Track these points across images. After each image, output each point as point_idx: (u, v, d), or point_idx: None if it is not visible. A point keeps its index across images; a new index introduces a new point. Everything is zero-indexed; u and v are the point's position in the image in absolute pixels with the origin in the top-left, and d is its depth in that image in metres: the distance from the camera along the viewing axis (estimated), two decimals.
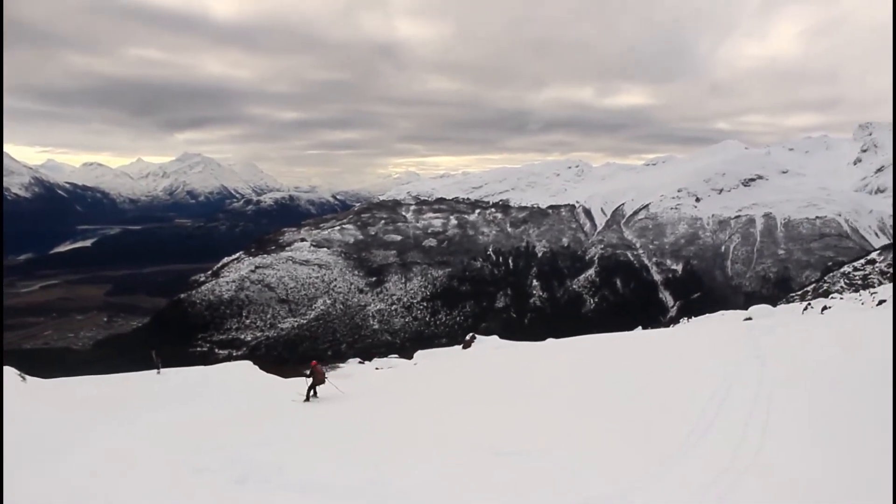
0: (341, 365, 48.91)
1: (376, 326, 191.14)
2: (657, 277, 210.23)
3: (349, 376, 38.62)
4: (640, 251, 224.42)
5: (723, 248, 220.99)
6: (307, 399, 22.86)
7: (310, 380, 23.36)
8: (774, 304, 61.98)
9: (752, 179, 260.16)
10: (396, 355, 56.48)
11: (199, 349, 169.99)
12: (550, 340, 38.65)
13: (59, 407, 20.19)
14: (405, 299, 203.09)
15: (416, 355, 47.97)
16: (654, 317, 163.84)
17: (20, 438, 15.56)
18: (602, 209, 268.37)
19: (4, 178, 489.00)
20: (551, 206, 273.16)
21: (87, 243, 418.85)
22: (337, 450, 13.81)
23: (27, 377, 24.62)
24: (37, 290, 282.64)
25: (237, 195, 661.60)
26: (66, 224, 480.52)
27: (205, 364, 38.18)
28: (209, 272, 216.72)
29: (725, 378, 16.15)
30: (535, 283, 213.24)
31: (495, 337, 48.36)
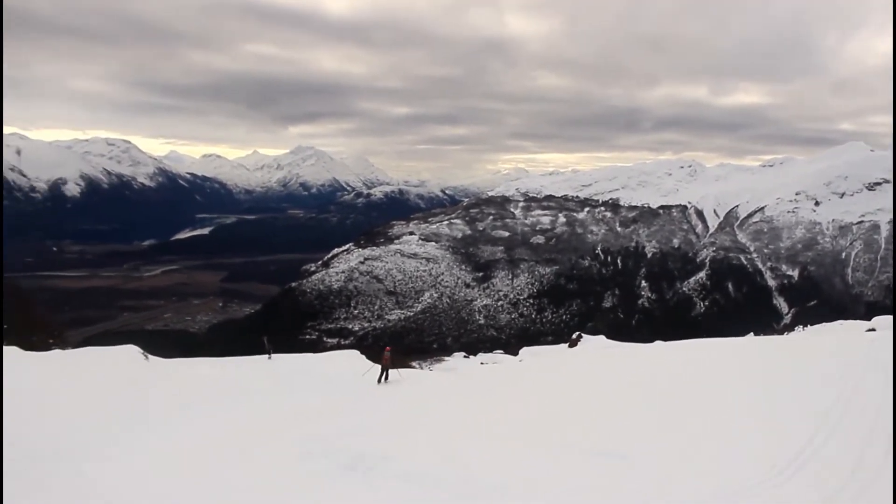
0: (446, 358, 49.32)
1: (482, 321, 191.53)
2: (771, 283, 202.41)
3: (454, 370, 38.95)
4: (754, 255, 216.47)
5: (843, 254, 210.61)
6: (379, 382, 25.40)
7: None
8: None
9: (878, 183, 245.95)
10: (501, 351, 56.53)
11: (308, 337, 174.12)
12: (658, 343, 37.84)
13: (178, 385, 21.17)
14: (511, 295, 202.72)
15: (521, 352, 47.80)
16: (767, 323, 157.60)
17: (142, 408, 16.44)
18: (715, 211, 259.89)
19: (133, 169, 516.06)
20: (662, 207, 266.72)
21: (205, 231, 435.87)
22: (437, 442, 13.98)
23: (149, 356, 25.93)
24: (158, 274, 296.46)
25: (348, 188, 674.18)
26: (186, 212, 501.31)
27: (314, 352, 39.24)
28: (320, 262, 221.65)
29: (844, 392, 15.37)
30: (643, 284, 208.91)
31: (602, 337, 47.72)
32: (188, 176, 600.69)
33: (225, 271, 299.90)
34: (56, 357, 20.09)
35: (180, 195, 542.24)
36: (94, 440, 13.58)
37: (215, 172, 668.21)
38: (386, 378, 24.69)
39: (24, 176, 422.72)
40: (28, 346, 22.58)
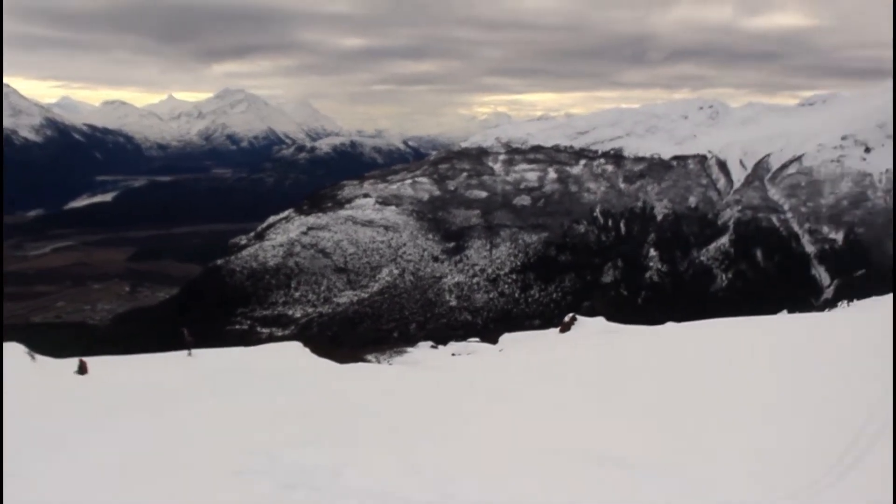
0: (410, 349, 49.32)
1: (454, 303, 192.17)
2: (810, 249, 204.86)
3: (417, 364, 39.00)
4: (789, 215, 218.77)
5: None
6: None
7: None
8: None
9: None
10: (478, 339, 56.62)
11: (238, 326, 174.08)
12: (671, 325, 38.08)
13: (74, 392, 20.88)
14: (490, 270, 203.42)
15: (501, 339, 47.90)
16: (804, 298, 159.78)
17: (24, 429, 16.14)
18: (741, 161, 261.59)
19: (13, 120, 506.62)
20: (676, 157, 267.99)
21: (108, 198, 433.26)
22: (403, 453, 13.94)
23: (36, 356, 25.52)
24: (48, 253, 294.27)
25: (287, 140, 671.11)
26: (83, 174, 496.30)
27: (245, 344, 39.11)
28: (252, 234, 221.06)
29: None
30: (652, 253, 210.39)
31: (601, 319, 47.79)
32: (85, 128, 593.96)
33: (132, 247, 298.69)
34: None
35: (75, 153, 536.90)
36: None
37: (119, 123, 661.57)
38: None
39: None
40: None
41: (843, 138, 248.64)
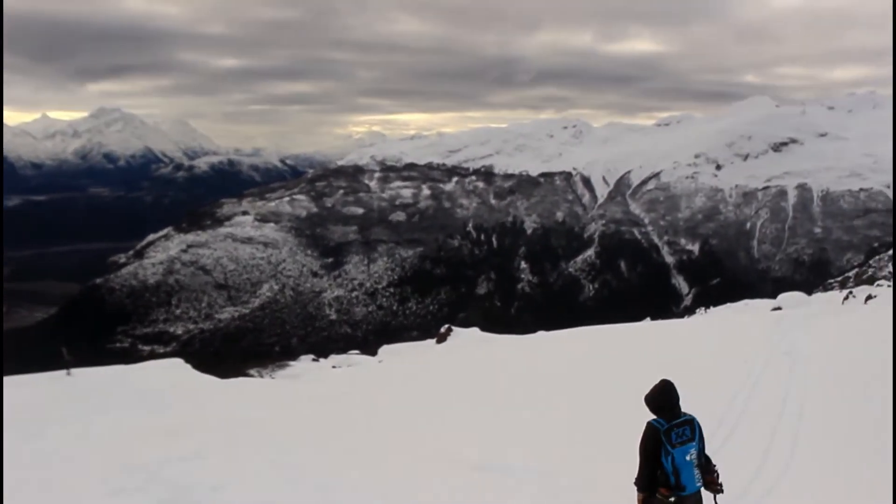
0: (291, 363, 48.79)
1: (333, 317, 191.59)
2: (669, 259, 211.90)
3: (299, 377, 38.69)
4: (650, 228, 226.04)
5: (748, 224, 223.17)
6: None
7: None
8: (809, 293, 62.72)
9: (785, 144, 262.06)
10: (357, 351, 56.45)
11: (118, 345, 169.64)
12: (541, 333, 38.86)
13: None
14: (368, 284, 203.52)
15: (380, 351, 48.07)
16: (666, 306, 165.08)
17: None
18: (604, 178, 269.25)
19: None
20: (543, 174, 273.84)
21: None
22: (287, 466, 13.84)
23: None
24: None
25: (165, 159, 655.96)
26: None
27: (126, 363, 37.94)
28: (131, 252, 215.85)
29: (749, 378, 16.34)
30: (523, 265, 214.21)
31: (476, 329, 48.47)
32: None
33: (8, 267, 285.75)
34: None
35: None
36: None
37: None
38: None
39: None
40: None
41: (696, 156, 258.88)
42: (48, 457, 15.96)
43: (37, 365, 35.37)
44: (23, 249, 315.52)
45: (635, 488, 8.30)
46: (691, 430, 8.17)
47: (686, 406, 7.67)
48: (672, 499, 7.99)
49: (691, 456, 8.04)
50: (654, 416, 8.30)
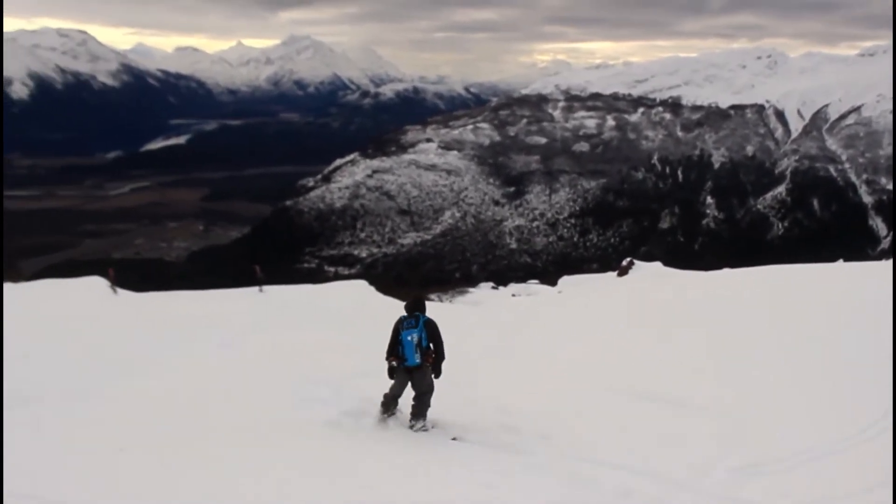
0: (471, 290, 49.48)
1: (514, 246, 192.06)
2: (867, 199, 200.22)
3: (479, 303, 39.25)
4: (847, 165, 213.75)
5: None
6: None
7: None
8: None
9: None
10: (537, 281, 56.41)
11: (306, 265, 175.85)
12: (727, 271, 37.74)
13: (153, 323, 21.48)
14: (549, 215, 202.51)
15: (560, 282, 47.72)
16: (860, 248, 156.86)
17: (109, 355, 16.80)
18: (799, 111, 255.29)
19: (92, 66, 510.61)
20: (734, 107, 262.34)
21: (181, 140, 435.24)
22: (463, 384, 14.24)
23: (119, 290, 26.29)
24: (126, 192, 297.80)
25: (352, 86, 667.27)
26: (157, 118, 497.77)
27: (313, 282, 39.66)
28: (319, 176, 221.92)
29: None
30: (709, 200, 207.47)
31: (658, 264, 47.34)
32: (159, 73, 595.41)
33: (206, 188, 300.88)
34: (8, 291, 20.31)
35: (150, 97, 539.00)
36: (74, 383, 13.96)
37: (192, 69, 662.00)
38: None
39: None
40: None
41: None
42: (241, 363, 17.03)
43: (232, 281, 37.48)
44: (219, 171, 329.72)
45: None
46: (416, 322, 11.54)
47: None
48: (396, 364, 11.63)
49: (412, 338, 11.35)
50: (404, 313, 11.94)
